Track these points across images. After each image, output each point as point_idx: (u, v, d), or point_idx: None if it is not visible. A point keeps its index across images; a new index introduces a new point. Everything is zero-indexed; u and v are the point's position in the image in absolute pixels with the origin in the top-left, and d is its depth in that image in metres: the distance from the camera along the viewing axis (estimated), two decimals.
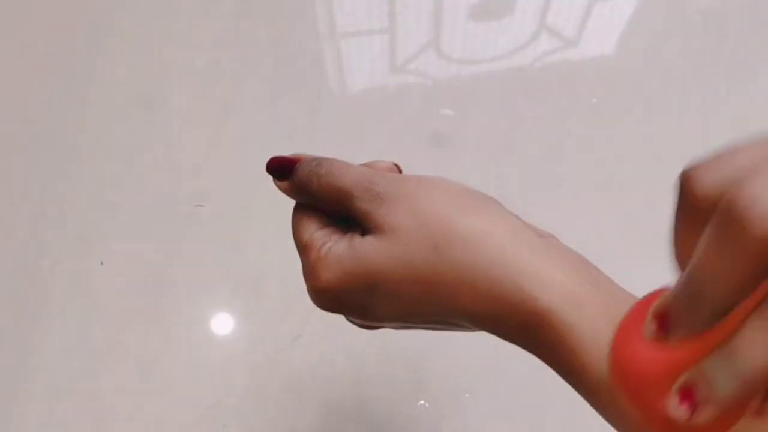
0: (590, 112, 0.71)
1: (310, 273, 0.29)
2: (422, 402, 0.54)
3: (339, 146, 0.68)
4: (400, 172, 0.32)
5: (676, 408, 0.20)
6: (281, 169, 0.32)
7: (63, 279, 0.61)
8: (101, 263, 0.61)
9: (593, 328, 0.23)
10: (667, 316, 0.20)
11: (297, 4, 0.82)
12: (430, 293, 0.26)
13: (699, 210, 0.19)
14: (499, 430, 0.53)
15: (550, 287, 0.24)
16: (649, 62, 0.76)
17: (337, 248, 0.28)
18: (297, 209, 0.32)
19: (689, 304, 0.19)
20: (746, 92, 0.72)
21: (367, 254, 0.27)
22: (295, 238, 0.31)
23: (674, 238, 0.22)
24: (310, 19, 0.81)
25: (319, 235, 0.30)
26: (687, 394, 0.20)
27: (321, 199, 0.30)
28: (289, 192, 0.32)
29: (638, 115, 0.71)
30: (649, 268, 0.61)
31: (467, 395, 0.54)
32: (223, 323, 0.59)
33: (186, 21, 0.81)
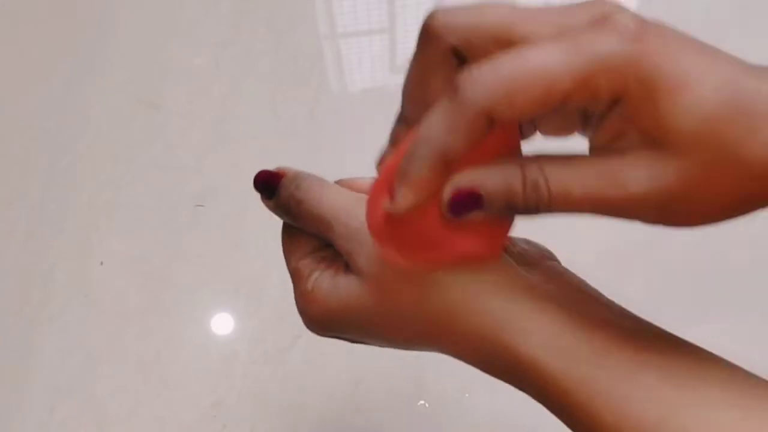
0: None
1: (299, 303, 0.29)
2: (422, 402, 0.54)
3: (339, 146, 0.69)
4: None
5: (384, 205, 0.23)
6: (267, 186, 0.32)
7: (63, 279, 0.61)
8: (101, 263, 0.61)
9: (580, 375, 0.24)
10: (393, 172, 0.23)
11: (297, 4, 0.82)
12: (418, 338, 0.27)
13: (435, 49, 0.23)
14: (499, 430, 0.53)
15: (535, 338, 0.25)
16: None
17: (323, 284, 0.28)
18: (284, 231, 0.32)
19: (410, 157, 0.23)
20: None
21: (351, 298, 0.27)
22: (285, 260, 0.31)
23: (408, 75, 0.25)
24: (310, 19, 0.81)
25: (306, 263, 0.30)
26: (388, 186, 0.23)
27: (302, 226, 0.30)
28: (275, 212, 0.32)
29: None
30: (649, 267, 0.61)
31: (467, 395, 0.54)
32: (223, 323, 0.59)
33: (186, 21, 0.81)
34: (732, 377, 0.23)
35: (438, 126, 0.21)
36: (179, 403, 0.54)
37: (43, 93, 0.74)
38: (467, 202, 0.23)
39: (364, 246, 0.27)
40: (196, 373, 0.56)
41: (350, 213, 0.28)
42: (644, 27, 0.21)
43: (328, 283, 0.28)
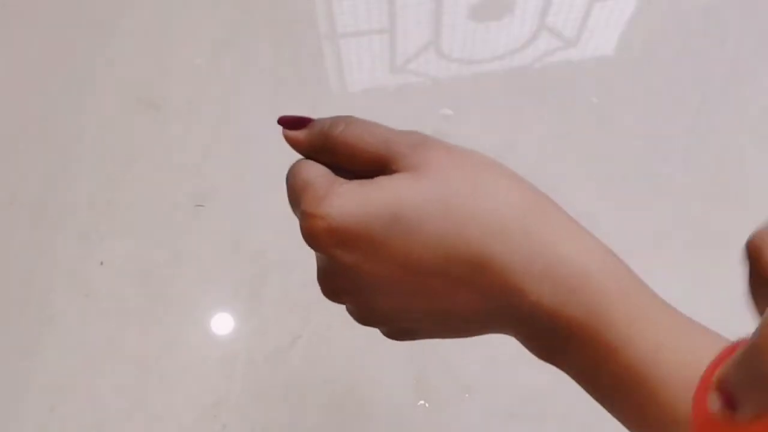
0: (590, 111, 0.71)
1: (314, 205, 0.23)
2: (422, 402, 0.54)
3: None
4: None
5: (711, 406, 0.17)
6: (295, 123, 0.28)
7: (63, 279, 0.61)
8: (101, 263, 0.61)
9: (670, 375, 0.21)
10: (729, 391, 0.16)
11: (297, 4, 0.82)
12: (459, 237, 0.22)
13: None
14: (499, 430, 0.53)
15: (600, 262, 0.22)
16: (649, 62, 0.76)
17: (355, 187, 0.24)
18: (294, 167, 0.28)
19: (752, 384, 0.15)
20: (746, 92, 0.72)
21: (393, 185, 0.23)
22: (292, 182, 0.26)
23: (751, 301, 0.19)
24: (310, 19, 0.81)
25: (324, 178, 0.25)
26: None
27: (342, 149, 0.26)
28: (303, 143, 0.27)
29: (638, 114, 0.71)
30: (649, 267, 0.61)
31: (467, 395, 0.54)
32: (223, 323, 0.59)
33: (186, 21, 0.81)
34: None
35: None
36: (179, 403, 0.54)
37: (43, 93, 0.74)
38: None
39: (424, 148, 0.24)
40: (196, 373, 0.56)
41: (409, 131, 0.26)
42: None
43: (362, 185, 0.23)
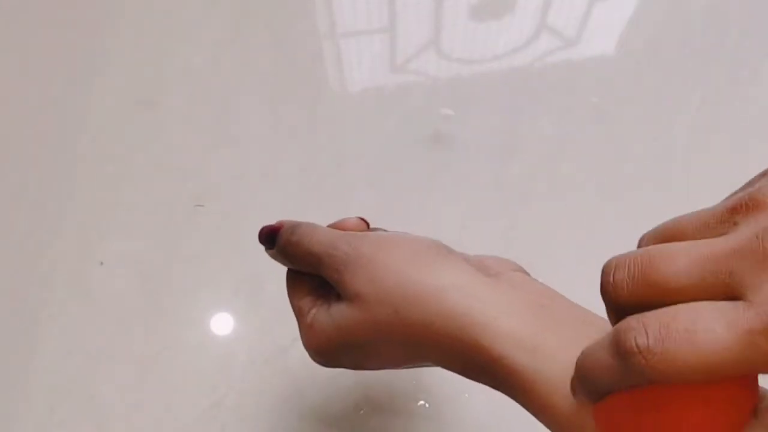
0: (590, 111, 0.71)
1: (303, 338, 0.33)
2: (422, 402, 0.54)
3: (339, 146, 0.68)
4: (368, 225, 0.36)
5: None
6: (269, 238, 0.36)
7: (63, 279, 0.61)
8: (101, 263, 0.61)
9: (545, 370, 0.26)
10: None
11: (297, 4, 0.82)
12: (402, 350, 0.30)
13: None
14: (498, 430, 0.53)
15: (502, 337, 0.27)
16: (649, 62, 0.76)
17: (320, 317, 0.32)
18: (288, 275, 0.36)
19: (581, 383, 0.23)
20: (746, 92, 0.72)
21: (342, 322, 0.30)
22: (289, 302, 0.36)
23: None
24: (309, 18, 0.81)
25: (306, 301, 0.34)
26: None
27: (300, 266, 0.34)
28: (277, 259, 0.36)
29: (638, 114, 0.71)
30: None
31: (467, 395, 0.54)
32: (223, 323, 0.59)
33: (186, 21, 0.81)
34: None
35: (601, 373, 0.22)
36: (179, 404, 0.54)
37: (43, 93, 0.74)
38: None
39: (347, 272, 0.30)
40: (195, 373, 0.56)
41: (336, 245, 0.31)
42: None
43: (324, 315, 0.32)
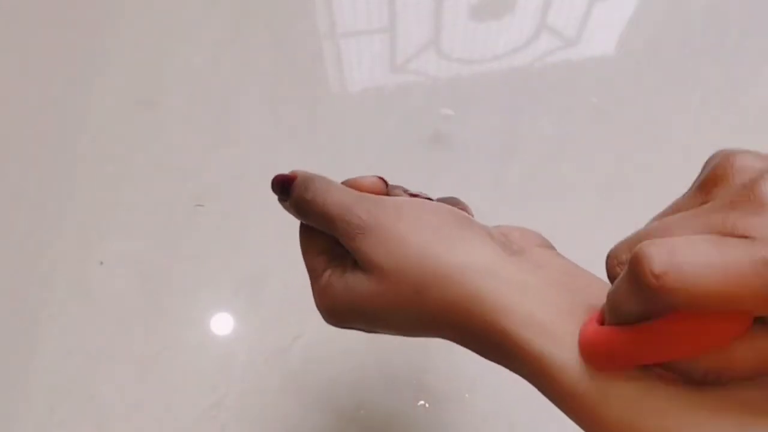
0: (590, 111, 0.71)
1: (316, 297, 0.32)
2: (422, 402, 0.54)
3: (339, 146, 0.69)
4: (386, 184, 0.34)
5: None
6: (282, 187, 0.33)
7: (63, 279, 0.61)
8: (101, 263, 0.61)
9: (568, 358, 0.25)
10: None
11: (297, 4, 0.82)
12: (419, 324, 0.29)
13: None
14: (498, 430, 0.53)
15: (523, 322, 0.26)
16: (649, 62, 0.76)
17: (335, 282, 0.31)
18: (301, 230, 0.34)
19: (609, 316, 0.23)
20: (746, 92, 0.72)
21: (358, 292, 0.30)
22: (302, 257, 0.34)
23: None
24: (309, 18, 0.81)
25: (320, 260, 0.32)
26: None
27: (313, 224, 0.32)
28: (291, 211, 0.34)
29: (638, 114, 0.71)
30: None
31: (467, 395, 0.54)
32: (223, 323, 0.59)
33: (186, 21, 0.81)
34: None
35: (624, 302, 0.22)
36: (179, 404, 0.54)
37: (43, 93, 0.74)
38: None
39: (365, 240, 0.29)
40: (195, 373, 0.56)
41: (351, 210, 0.30)
42: None
43: (338, 280, 0.31)
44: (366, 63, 0.77)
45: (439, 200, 0.34)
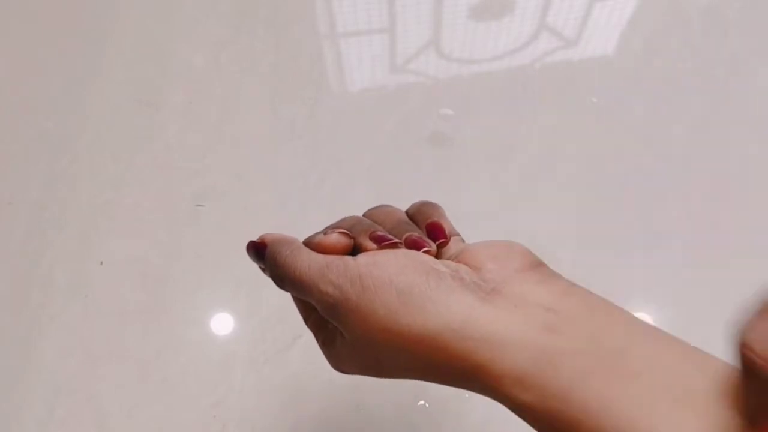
0: (590, 111, 0.71)
1: (324, 355, 0.35)
2: (422, 402, 0.54)
3: (339, 146, 0.69)
4: (350, 236, 0.33)
5: None
6: (257, 253, 0.36)
7: (63, 279, 0.61)
8: (101, 263, 0.61)
9: (556, 409, 0.25)
10: None
11: (297, 4, 0.82)
12: (414, 376, 0.31)
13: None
14: (498, 430, 0.53)
15: (503, 377, 0.26)
16: (649, 62, 0.76)
17: (329, 343, 0.34)
18: (292, 296, 0.37)
19: None
20: (746, 92, 0.72)
21: (346, 354, 0.33)
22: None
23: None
24: (309, 19, 0.81)
25: (313, 322, 0.35)
26: None
27: (291, 293, 0.34)
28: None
29: (638, 114, 0.71)
30: (648, 266, 0.61)
31: (467, 395, 0.54)
32: (223, 323, 0.59)
33: (186, 21, 0.81)
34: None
35: None
36: (179, 403, 0.54)
37: (43, 93, 0.74)
38: None
39: (338, 315, 0.30)
40: (195, 373, 0.56)
41: (318, 287, 0.31)
42: None
43: (330, 343, 0.34)
44: (366, 63, 0.77)
45: (418, 204, 0.36)
